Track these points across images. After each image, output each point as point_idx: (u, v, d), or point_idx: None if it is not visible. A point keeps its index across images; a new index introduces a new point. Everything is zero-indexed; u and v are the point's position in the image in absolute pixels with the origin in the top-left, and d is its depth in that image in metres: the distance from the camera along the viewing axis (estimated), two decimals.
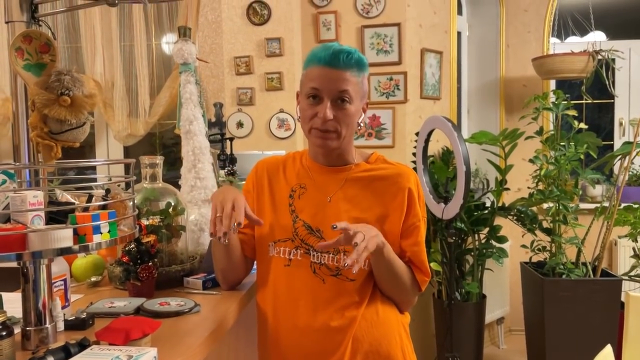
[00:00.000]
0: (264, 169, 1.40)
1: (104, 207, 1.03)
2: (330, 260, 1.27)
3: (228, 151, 1.99)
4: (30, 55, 0.97)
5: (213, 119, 2.96)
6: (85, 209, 1.01)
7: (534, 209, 3.24)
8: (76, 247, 0.95)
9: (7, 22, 1.01)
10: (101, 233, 0.97)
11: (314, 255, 1.28)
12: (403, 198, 1.30)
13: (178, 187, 1.73)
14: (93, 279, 1.48)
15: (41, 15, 1.02)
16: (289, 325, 1.28)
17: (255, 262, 1.45)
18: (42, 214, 0.96)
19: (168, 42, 3.35)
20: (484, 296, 3.27)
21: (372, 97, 3.18)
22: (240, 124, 3.12)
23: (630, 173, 3.59)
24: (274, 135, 3.08)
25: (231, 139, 2.04)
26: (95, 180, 1.10)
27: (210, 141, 1.80)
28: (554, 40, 3.96)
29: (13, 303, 1.17)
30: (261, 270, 1.36)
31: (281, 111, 3.07)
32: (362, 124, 1.34)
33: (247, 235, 1.39)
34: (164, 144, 3.65)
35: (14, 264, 1.00)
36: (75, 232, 0.96)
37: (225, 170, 1.90)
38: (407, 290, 1.33)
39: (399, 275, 1.29)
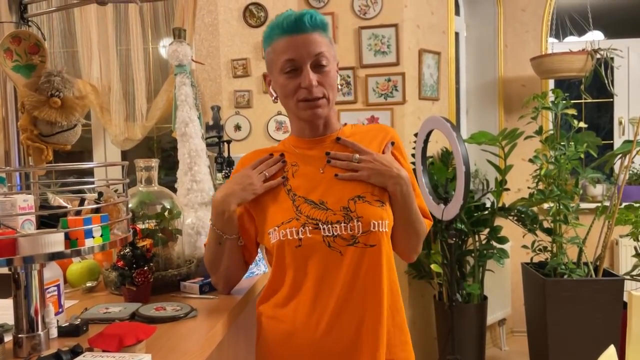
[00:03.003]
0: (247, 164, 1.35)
1: (96, 211, 1.01)
2: (344, 230, 1.19)
3: (225, 154, 1.97)
4: (20, 56, 0.95)
5: (211, 122, 2.94)
6: (77, 213, 0.99)
7: (535, 209, 3.22)
8: (68, 251, 0.93)
9: None
10: (93, 237, 0.95)
11: (324, 229, 1.19)
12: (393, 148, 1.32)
13: (175, 190, 1.71)
14: (88, 284, 1.46)
15: (30, 15, 1.00)
16: (318, 308, 1.19)
17: (250, 266, 1.42)
18: (33, 218, 0.94)
19: (164, 46, 3.34)
20: (485, 297, 3.25)
21: (370, 98, 3.16)
22: (238, 127, 3.11)
23: (631, 172, 3.58)
24: (272, 138, 3.06)
25: (228, 142, 2.02)
26: (88, 183, 1.09)
27: (208, 144, 1.79)
28: (552, 40, 3.95)
29: (7, 310, 1.15)
30: (272, 265, 1.27)
31: (279, 113, 3.05)
32: (340, 86, 1.31)
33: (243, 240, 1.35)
34: (161, 148, 3.63)
35: (4, 271, 0.98)
36: (67, 236, 0.94)
37: (223, 173, 1.88)
38: (422, 235, 1.34)
39: (419, 219, 1.30)
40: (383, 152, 1.29)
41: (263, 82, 3.05)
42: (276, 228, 1.22)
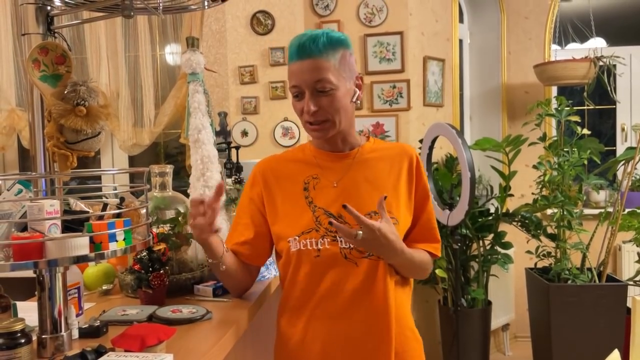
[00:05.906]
0: (266, 172, 1.38)
1: (118, 216, 1.04)
2: None
3: (234, 159, 2.01)
4: (47, 66, 0.99)
5: (218, 128, 2.98)
6: (101, 217, 1.03)
7: (538, 214, 3.25)
8: (92, 255, 0.96)
9: (23, 35, 1.03)
10: (117, 241, 0.99)
11: (341, 241, 1.26)
12: (412, 169, 1.36)
13: (186, 195, 1.74)
14: (104, 287, 1.49)
15: (57, 27, 1.04)
16: (328, 315, 1.28)
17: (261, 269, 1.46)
18: (59, 222, 0.97)
19: (172, 52, 3.38)
20: (490, 302, 3.27)
21: (375, 105, 3.20)
22: (245, 133, 3.14)
23: (634, 178, 3.60)
24: (278, 144, 3.10)
25: (237, 148, 2.06)
26: (108, 189, 1.12)
27: (217, 150, 1.82)
28: (554, 47, 3.99)
29: (27, 312, 1.18)
30: (287, 271, 1.32)
31: (285, 120, 3.09)
32: (358, 102, 1.33)
33: (246, 245, 1.37)
34: (168, 154, 3.66)
35: (25, 274, 1.01)
36: (91, 240, 0.97)
37: (232, 179, 1.91)
38: (427, 269, 1.38)
39: (417, 264, 1.33)
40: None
41: (270, 88, 3.09)
42: (297, 237, 1.28)
